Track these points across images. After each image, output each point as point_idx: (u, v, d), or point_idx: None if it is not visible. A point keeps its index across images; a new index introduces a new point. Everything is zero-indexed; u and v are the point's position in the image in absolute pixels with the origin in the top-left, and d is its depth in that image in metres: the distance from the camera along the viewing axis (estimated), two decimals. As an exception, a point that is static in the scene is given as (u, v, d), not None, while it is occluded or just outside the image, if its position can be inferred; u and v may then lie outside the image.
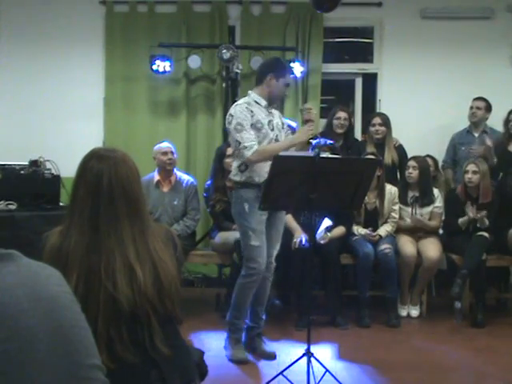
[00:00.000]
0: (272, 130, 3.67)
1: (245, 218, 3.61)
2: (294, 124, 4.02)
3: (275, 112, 3.79)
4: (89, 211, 1.70)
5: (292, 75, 5.48)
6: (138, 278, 1.65)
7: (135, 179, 1.77)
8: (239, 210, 3.65)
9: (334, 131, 5.08)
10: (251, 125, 3.56)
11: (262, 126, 3.61)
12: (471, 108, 5.35)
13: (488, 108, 5.33)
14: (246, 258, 3.66)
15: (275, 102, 3.76)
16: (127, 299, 1.63)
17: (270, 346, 3.85)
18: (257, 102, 3.65)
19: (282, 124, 3.81)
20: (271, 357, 3.72)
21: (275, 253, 3.77)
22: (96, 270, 1.64)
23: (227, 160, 4.76)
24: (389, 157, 5.07)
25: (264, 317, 3.88)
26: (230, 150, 4.79)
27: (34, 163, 3.95)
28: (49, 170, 3.92)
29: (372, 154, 4.88)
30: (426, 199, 4.87)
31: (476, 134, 5.34)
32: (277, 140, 3.68)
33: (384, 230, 4.75)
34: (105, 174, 1.71)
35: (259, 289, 3.72)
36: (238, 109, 3.60)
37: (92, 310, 1.59)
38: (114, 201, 1.70)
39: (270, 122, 3.67)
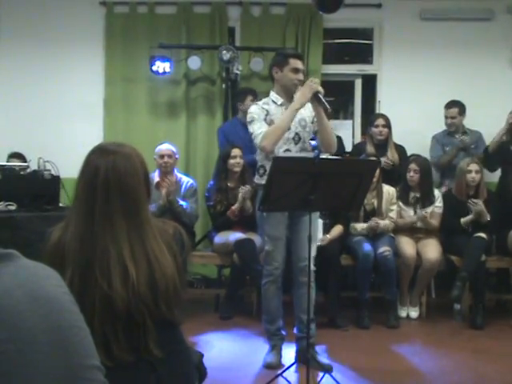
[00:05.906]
0: (288, 128, 3.52)
1: (262, 222, 3.69)
2: (312, 142, 3.84)
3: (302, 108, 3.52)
4: (85, 205, 1.67)
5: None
6: (131, 278, 1.61)
7: (136, 175, 1.70)
8: (259, 214, 3.72)
9: None
10: (264, 121, 3.53)
11: None
12: (446, 117, 5.36)
13: (462, 111, 5.34)
14: (264, 261, 3.73)
15: (294, 93, 3.55)
16: (122, 299, 1.60)
17: (323, 357, 3.61)
18: (274, 101, 3.61)
19: (313, 118, 3.58)
20: (328, 369, 3.37)
21: (309, 255, 3.44)
22: (91, 267, 1.61)
23: (231, 161, 4.76)
24: (391, 157, 5.09)
25: (313, 327, 3.58)
26: (234, 151, 4.80)
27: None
28: (48, 170, 3.91)
29: (372, 155, 4.89)
30: (427, 200, 4.87)
31: (457, 136, 5.36)
32: (298, 136, 3.56)
33: (383, 223, 4.74)
34: (102, 168, 1.66)
35: (299, 295, 3.58)
36: (254, 106, 3.64)
37: (88, 308, 1.55)
38: (110, 197, 1.65)
39: None
